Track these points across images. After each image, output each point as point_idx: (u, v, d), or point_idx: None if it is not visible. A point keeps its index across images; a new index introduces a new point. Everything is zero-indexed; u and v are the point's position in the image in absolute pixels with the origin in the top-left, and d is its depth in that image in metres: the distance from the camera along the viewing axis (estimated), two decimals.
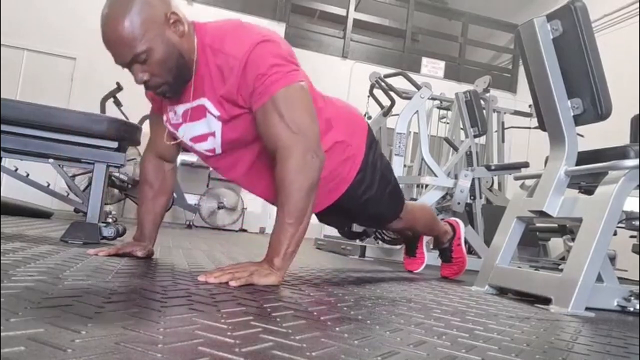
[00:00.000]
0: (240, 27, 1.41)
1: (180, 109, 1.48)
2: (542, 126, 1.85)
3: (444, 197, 3.56)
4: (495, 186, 5.28)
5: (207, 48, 1.38)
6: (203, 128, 1.48)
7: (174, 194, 5.20)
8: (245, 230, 6.84)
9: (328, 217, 1.91)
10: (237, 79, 1.34)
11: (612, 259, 4.11)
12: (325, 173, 1.56)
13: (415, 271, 2.42)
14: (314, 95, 1.54)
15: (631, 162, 1.56)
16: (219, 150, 1.52)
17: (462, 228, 2.29)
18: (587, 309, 1.48)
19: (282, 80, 1.35)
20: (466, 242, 3.28)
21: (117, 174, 5.04)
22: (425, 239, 2.44)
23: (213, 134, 1.48)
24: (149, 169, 1.69)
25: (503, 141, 5.66)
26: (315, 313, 0.96)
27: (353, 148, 1.66)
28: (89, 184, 2.27)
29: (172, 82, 1.38)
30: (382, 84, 4.36)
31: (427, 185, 4.11)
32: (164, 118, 1.56)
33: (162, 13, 1.32)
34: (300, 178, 1.33)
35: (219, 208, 6.46)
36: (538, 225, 4.76)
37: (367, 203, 1.74)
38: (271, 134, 1.36)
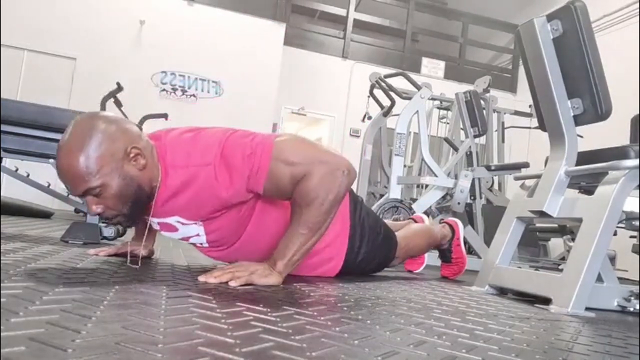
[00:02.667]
0: (199, 136, 1.33)
1: (154, 220, 1.43)
2: (542, 126, 1.85)
3: (444, 197, 3.56)
4: (496, 186, 5.27)
5: (170, 169, 1.30)
6: (183, 233, 1.46)
7: None
8: None
9: None
10: (219, 182, 1.27)
11: (612, 259, 4.11)
12: (320, 247, 1.52)
13: (415, 271, 2.42)
14: None
15: (631, 162, 1.56)
16: (206, 245, 1.50)
17: (461, 228, 2.29)
18: (587, 309, 1.48)
19: (268, 142, 1.30)
20: (466, 242, 3.28)
21: None
22: None
23: (197, 235, 1.46)
24: None
25: (503, 141, 5.65)
26: (315, 313, 0.96)
27: (340, 220, 1.63)
28: None
29: (127, 213, 1.29)
30: (382, 84, 4.35)
31: (427, 186, 4.12)
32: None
33: (123, 148, 1.23)
34: (324, 191, 1.29)
35: None
36: (538, 225, 4.76)
37: (363, 261, 1.76)
38: (290, 185, 1.30)
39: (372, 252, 1.78)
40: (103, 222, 1.33)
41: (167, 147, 1.33)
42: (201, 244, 1.51)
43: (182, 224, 1.40)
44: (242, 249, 1.50)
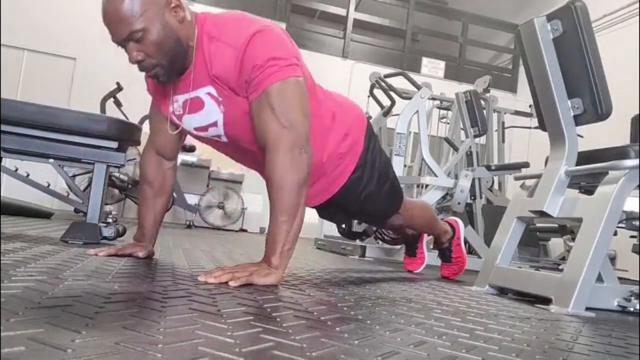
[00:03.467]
0: (242, 18, 1.42)
1: (181, 99, 1.49)
2: (542, 126, 1.85)
3: (444, 197, 3.56)
4: (496, 186, 5.27)
5: (205, 36, 1.39)
6: (204, 118, 1.49)
7: (174, 194, 5.20)
8: (245, 230, 6.84)
9: (327, 211, 1.91)
10: (234, 67, 1.35)
11: (613, 259, 4.11)
12: (323, 161, 1.57)
13: (415, 271, 2.42)
14: (314, 88, 1.54)
15: (631, 162, 1.56)
16: (224, 138, 1.53)
17: (462, 228, 2.29)
18: (587, 309, 1.48)
19: (277, 73, 1.35)
20: (466, 242, 3.28)
21: (117, 174, 5.04)
22: (426, 238, 2.44)
23: (215, 124, 1.49)
24: (149, 167, 1.69)
25: (503, 141, 5.65)
26: (315, 313, 0.96)
27: (352, 141, 1.67)
28: (89, 184, 2.27)
29: (166, 65, 1.38)
30: (382, 84, 4.35)
31: (427, 185, 4.11)
32: (169, 109, 1.56)
33: None
34: (290, 175, 1.33)
35: (219, 208, 6.46)
36: (538, 225, 4.75)
37: (366, 199, 1.75)
38: (262, 126, 1.37)
39: (378, 194, 1.77)
40: (142, 70, 1.41)
41: (207, 17, 1.42)
42: (219, 136, 1.53)
43: (211, 96, 1.43)
44: (257, 156, 1.53)
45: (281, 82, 1.36)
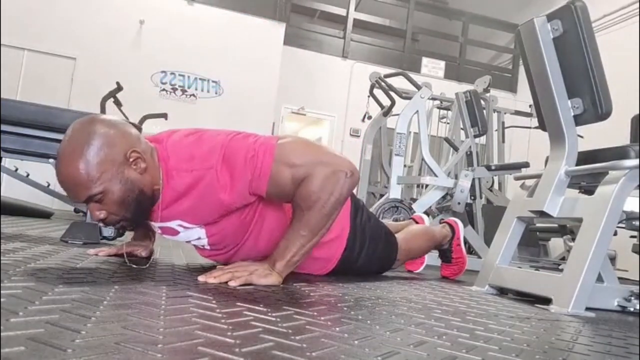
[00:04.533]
0: (200, 140, 1.32)
1: (156, 225, 1.43)
2: (542, 126, 1.85)
3: (444, 197, 3.56)
4: (496, 186, 5.28)
5: (173, 171, 1.29)
6: (185, 237, 1.45)
7: None
8: None
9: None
10: (221, 186, 1.26)
11: (613, 259, 4.10)
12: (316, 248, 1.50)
13: (415, 271, 2.42)
14: None
15: (631, 162, 1.56)
16: (208, 246, 1.49)
17: (461, 228, 2.29)
18: (587, 309, 1.47)
19: (270, 144, 1.29)
20: (466, 242, 3.28)
21: None
22: None
23: (198, 238, 1.45)
24: None
25: (503, 141, 5.65)
26: (315, 313, 0.96)
27: (339, 223, 1.59)
28: None
29: (130, 217, 1.28)
30: (382, 84, 4.35)
31: (427, 185, 4.11)
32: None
33: (122, 152, 1.23)
34: (326, 193, 1.28)
35: None
36: (538, 225, 4.75)
37: (362, 266, 1.77)
38: (293, 186, 1.29)
39: (372, 257, 1.79)
40: (107, 225, 1.32)
41: (168, 150, 1.32)
42: (202, 246, 1.50)
43: (184, 227, 1.40)
44: (243, 252, 1.50)
45: (279, 144, 1.30)
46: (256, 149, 1.28)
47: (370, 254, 1.77)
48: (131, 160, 1.24)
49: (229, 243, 1.48)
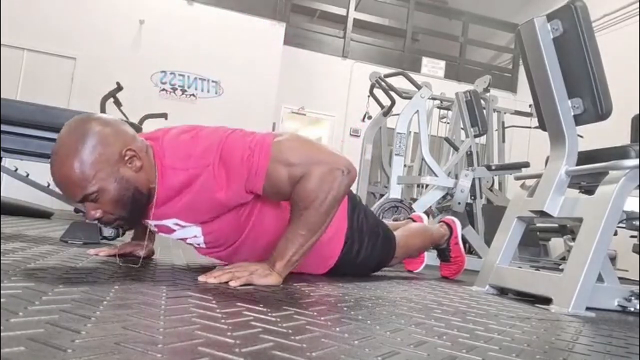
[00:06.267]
0: (197, 137, 1.32)
1: (152, 222, 1.42)
2: (542, 126, 1.85)
3: (444, 197, 3.56)
4: (496, 186, 5.27)
5: (168, 170, 1.28)
6: (181, 235, 1.45)
7: None
8: None
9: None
10: (217, 183, 1.26)
11: (613, 259, 4.11)
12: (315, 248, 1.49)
13: (415, 271, 2.42)
14: None
15: (631, 162, 1.56)
16: (203, 245, 1.49)
17: (459, 227, 2.29)
18: (587, 309, 1.47)
19: (266, 142, 1.28)
20: (466, 242, 3.28)
21: None
22: None
23: (194, 236, 1.45)
24: None
25: (503, 141, 5.66)
26: (315, 313, 0.96)
27: (337, 221, 1.58)
28: None
29: (126, 216, 1.28)
30: (383, 83, 4.35)
31: (427, 185, 4.11)
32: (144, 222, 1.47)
33: (117, 151, 1.22)
34: (323, 192, 1.28)
35: None
36: (538, 225, 4.76)
37: (361, 263, 1.77)
38: (289, 185, 1.29)
39: (371, 255, 1.78)
40: (103, 224, 1.32)
41: (164, 148, 1.31)
42: (198, 244, 1.50)
43: (180, 226, 1.40)
44: (240, 250, 1.50)
45: (276, 142, 1.29)
46: (252, 147, 1.27)
47: (370, 251, 1.76)
48: (126, 158, 1.23)
49: (225, 241, 1.47)
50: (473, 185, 3.51)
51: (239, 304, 0.97)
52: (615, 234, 1.92)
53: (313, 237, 1.33)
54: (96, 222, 1.28)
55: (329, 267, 1.71)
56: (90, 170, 1.18)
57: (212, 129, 1.35)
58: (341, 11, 8.39)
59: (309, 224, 1.30)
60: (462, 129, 4.23)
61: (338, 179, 1.30)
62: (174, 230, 1.42)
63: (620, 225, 1.76)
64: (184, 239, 1.49)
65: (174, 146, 1.31)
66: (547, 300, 1.55)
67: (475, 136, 3.73)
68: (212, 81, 7.25)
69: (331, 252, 1.68)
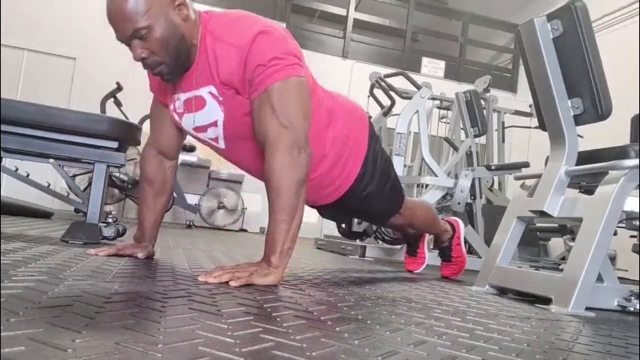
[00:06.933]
0: (245, 17, 1.42)
1: (183, 97, 1.49)
2: (542, 126, 1.85)
3: (444, 197, 3.56)
4: (496, 186, 5.27)
5: (209, 35, 1.39)
6: (205, 118, 1.49)
7: (174, 194, 5.20)
8: (245, 230, 6.85)
9: (328, 212, 1.91)
10: (238, 67, 1.35)
11: (613, 258, 4.10)
12: (327, 167, 1.57)
13: (415, 271, 2.42)
14: (315, 89, 1.54)
15: (631, 162, 1.56)
16: (222, 141, 1.54)
17: (462, 227, 2.29)
18: (587, 308, 1.48)
19: (279, 73, 1.35)
20: (466, 241, 3.28)
21: (117, 174, 5.04)
22: (427, 238, 2.44)
23: (215, 124, 1.49)
24: (149, 166, 1.69)
25: (503, 141, 5.65)
26: (315, 313, 0.96)
27: (355, 143, 1.67)
28: (89, 184, 2.28)
29: (170, 63, 1.38)
30: (382, 83, 4.35)
31: (427, 185, 4.11)
32: (170, 107, 1.56)
33: None
34: (289, 174, 1.33)
35: (219, 208, 6.46)
36: (538, 225, 4.75)
37: (368, 198, 1.75)
38: (261, 125, 1.37)
39: (379, 193, 1.78)
40: (147, 67, 1.42)
41: (211, 15, 1.43)
42: (216, 138, 1.53)
43: (212, 96, 1.43)
44: (255, 153, 1.52)
45: (283, 81, 1.36)
46: (268, 65, 1.33)
47: (378, 188, 1.76)
48: (176, 3, 1.35)
49: (242, 135, 1.50)
50: (473, 185, 3.51)
51: (239, 303, 0.97)
52: (615, 234, 1.92)
53: (294, 219, 1.35)
54: (141, 62, 1.37)
55: (340, 194, 1.71)
56: (143, 5, 1.30)
57: (257, 18, 1.43)
58: (341, 11, 8.39)
59: (285, 208, 1.33)
60: (462, 129, 4.23)
61: (295, 158, 1.34)
62: (204, 105, 1.45)
63: (620, 225, 1.76)
64: (205, 128, 1.51)
65: (220, 16, 1.43)
66: (546, 300, 1.55)
67: (475, 136, 3.73)
68: None
69: (349, 172, 1.69)
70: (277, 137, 1.34)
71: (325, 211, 1.94)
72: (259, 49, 1.34)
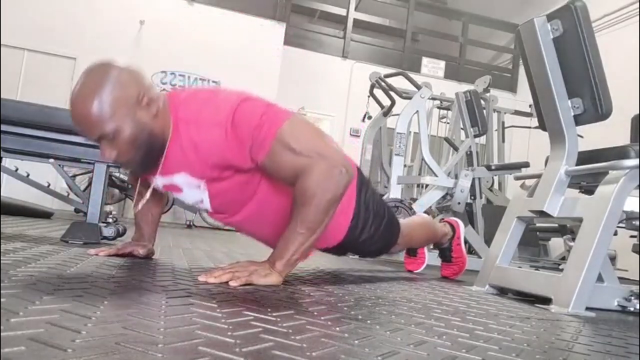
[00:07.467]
0: (214, 93, 1.38)
1: (160, 181, 1.45)
2: (542, 126, 1.85)
3: (444, 197, 3.56)
4: (496, 186, 5.27)
5: (181, 123, 1.33)
6: (187, 198, 1.47)
7: None
8: None
9: (327, 252, 1.91)
10: (225, 141, 1.29)
11: (613, 258, 4.10)
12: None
13: (415, 271, 2.42)
14: None
15: (631, 162, 1.56)
16: (210, 209, 1.51)
17: (462, 228, 2.29)
18: (587, 308, 1.48)
19: (276, 121, 1.31)
20: (466, 242, 3.28)
21: (117, 174, 5.04)
22: None
23: (201, 202, 1.46)
24: None
25: (503, 141, 5.65)
26: (315, 313, 0.96)
27: (346, 198, 1.57)
28: (89, 184, 2.28)
29: (140, 160, 1.33)
30: (383, 83, 4.35)
31: (427, 185, 4.11)
32: (154, 183, 1.51)
33: (135, 94, 1.27)
34: (322, 190, 1.30)
35: None
36: (538, 225, 4.75)
37: (365, 242, 1.75)
38: (288, 170, 1.32)
39: (375, 235, 1.76)
40: (115, 166, 1.38)
41: (181, 101, 1.36)
42: (206, 210, 1.51)
43: (188, 183, 1.41)
44: (246, 221, 1.51)
45: (285, 125, 1.32)
46: (263, 120, 1.30)
47: (374, 231, 1.74)
48: (143, 102, 1.28)
49: (230, 208, 1.49)
50: (473, 185, 3.51)
51: (239, 303, 0.97)
52: (615, 234, 1.92)
53: (312, 236, 1.33)
54: (110, 162, 1.34)
55: (336, 242, 1.69)
56: (108, 108, 1.23)
57: (229, 91, 1.39)
58: (341, 11, 8.39)
59: (308, 222, 1.31)
60: (462, 129, 4.23)
61: (336, 177, 1.31)
62: (182, 190, 1.44)
63: (620, 225, 1.76)
64: (192, 204, 1.50)
65: (190, 100, 1.37)
66: (546, 300, 1.55)
67: (475, 136, 3.73)
68: (212, 81, 7.25)
69: (339, 227, 1.66)
70: (312, 165, 1.30)
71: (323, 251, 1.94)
72: (245, 115, 1.30)
